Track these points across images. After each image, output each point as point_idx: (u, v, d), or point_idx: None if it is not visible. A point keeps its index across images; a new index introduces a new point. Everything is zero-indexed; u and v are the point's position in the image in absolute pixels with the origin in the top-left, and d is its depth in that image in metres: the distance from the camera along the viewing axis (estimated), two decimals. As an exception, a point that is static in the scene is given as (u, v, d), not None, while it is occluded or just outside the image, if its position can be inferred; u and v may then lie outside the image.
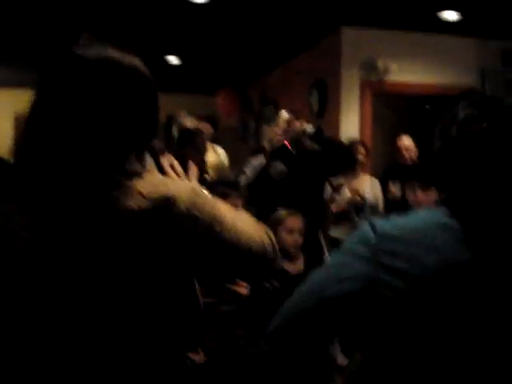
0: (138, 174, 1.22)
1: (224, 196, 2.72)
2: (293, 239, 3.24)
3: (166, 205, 1.18)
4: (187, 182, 1.44)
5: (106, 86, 1.19)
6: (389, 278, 1.18)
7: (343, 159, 3.96)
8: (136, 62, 1.26)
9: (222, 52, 7.13)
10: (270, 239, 1.38)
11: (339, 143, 4.11)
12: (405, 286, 1.17)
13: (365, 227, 1.26)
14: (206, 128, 4.89)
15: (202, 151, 3.84)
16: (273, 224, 3.30)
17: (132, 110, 1.21)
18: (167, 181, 1.27)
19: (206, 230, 1.24)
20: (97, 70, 1.19)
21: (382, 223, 1.25)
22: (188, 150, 3.77)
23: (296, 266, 3.23)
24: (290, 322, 1.27)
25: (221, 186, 2.84)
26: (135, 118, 1.22)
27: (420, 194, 3.49)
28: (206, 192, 1.30)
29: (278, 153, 3.94)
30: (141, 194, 1.17)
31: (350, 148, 4.61)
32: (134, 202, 1.16)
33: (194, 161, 3.78)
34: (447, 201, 1.25)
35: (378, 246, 1.21)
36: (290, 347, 1.29)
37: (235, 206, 2.73)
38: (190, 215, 1.21)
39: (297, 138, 3.88)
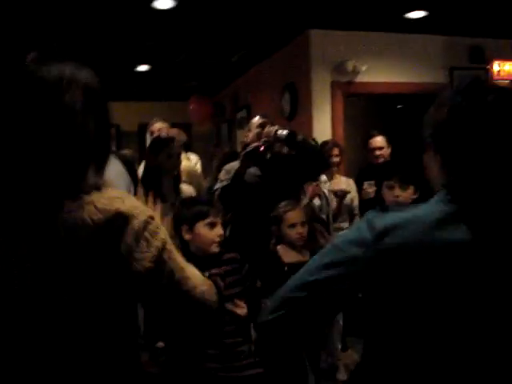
0: (97, 188, 1.23)
1: (203, 215, 2.72)
2: (295, 232, 3.31)
3: (118, 220, 1.20)
4: (148, 206, 1.45)
5: (58, 101, 1.20)
6: (387, 262, 1.20)
7: (317, 163, 3.95)
8: (89, 76, 1.28)
9: (191, 58, 7.11)
10: (214, 288, 1.43)
11: (312, 146, 4.09)
12: (403, 269, 1.19)
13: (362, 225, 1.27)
14: (181, 134, 4.86)
15: (175, 159, 3.81)
16: (274, 221, 3.39)
17: (85, 124, 1.23)
18: (125, 198, 1.27)
19: (155, 254, 1.25)
20: (50, 87, 1.20)
21: (379, 220, 1.25)
22: (161, 158, 3.75)
23: (304, 258, 3.26)
24: (280, 307, 1.28)
25: (198, 205, 2.82)
26: (90, 133, 1.24)
27: (398, 192, 3.50)
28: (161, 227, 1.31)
29: (251, 157, 3.91)
30: (95, 207, 1.20)
31: (323, 150, 4.61)
32: (87, 215, 1.18)
33: (167, 168, 3.79)
34: (449, 185, 1.25)
35: (377, 245, 1.21)
36: (281, 333, 1.31)
37: (216, 224, 2.75)
38: (141, 236, 1.23)
39: (269, 142, 3.86)
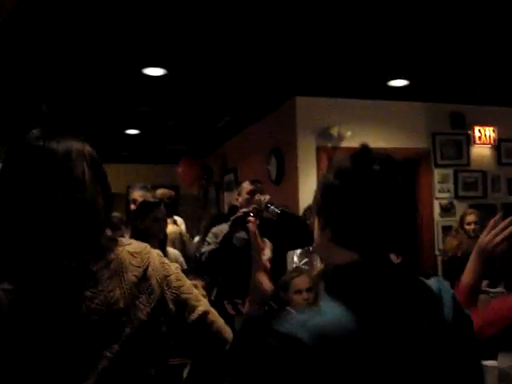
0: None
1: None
2: (301, 298, 3.37)
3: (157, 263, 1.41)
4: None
5: (70, 174, 1.28)
6: None
7: (301, 234, 4.02)
8: (91, 148, 1.37)
9: (180, 122, 7.24)
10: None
11: (296, 217, 4.16)
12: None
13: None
14: (170, 194, 4.95)
15: (161, 222, 3.87)
16: (282, 288, 3.43)
17: (95, 192, 1.32)
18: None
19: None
20: (61, 161, 1.28)
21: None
22: (148, 221, 3.80)
23: None
24: None
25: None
26: (99, 201, 1.33)
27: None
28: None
29: (239, 222, 3.98)
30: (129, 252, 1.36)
31: (306, 222, 4.69)
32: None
33: (154, 232, 3.82)
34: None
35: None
36: None
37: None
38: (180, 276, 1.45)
39: (259, 209, 3.93)
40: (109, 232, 1.45)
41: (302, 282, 3.43)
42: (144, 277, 1.33)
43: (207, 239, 4.33)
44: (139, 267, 1.33)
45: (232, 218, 4.06)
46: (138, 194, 5.02)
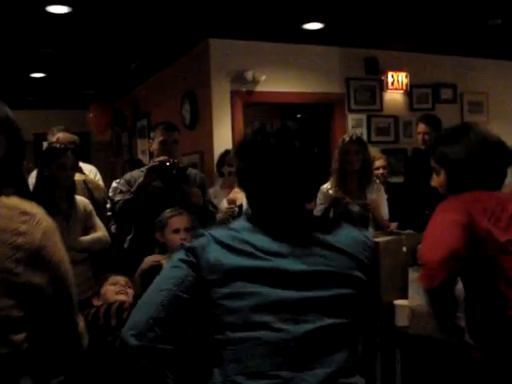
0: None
1: None
2: (178, 237, 3.25)
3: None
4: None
5: None
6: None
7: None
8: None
9: (88, 65, 6.93)
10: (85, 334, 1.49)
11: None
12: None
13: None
14: (73, 139, 4.77)
15: (68, 171, 3.68)
16: (159, 227, 3.37)
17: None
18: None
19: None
20: None
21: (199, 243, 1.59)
22: (53, 168, 3.61)
23: None
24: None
25: None
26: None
27: None
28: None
29: (155, 171, 3.95)
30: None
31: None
32: None
33: (60, 180, 3.66)
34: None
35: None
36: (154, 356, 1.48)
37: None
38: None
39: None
40: None
41: (179, 221, 3.35)
42: None
43: (119, 186, 4.23)
44: None
45: (147, 167, 3.99)
46: (63, 137, 4.83)
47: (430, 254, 1.98)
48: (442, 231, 1.99)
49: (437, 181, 2.24)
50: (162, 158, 3.93)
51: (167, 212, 3.40)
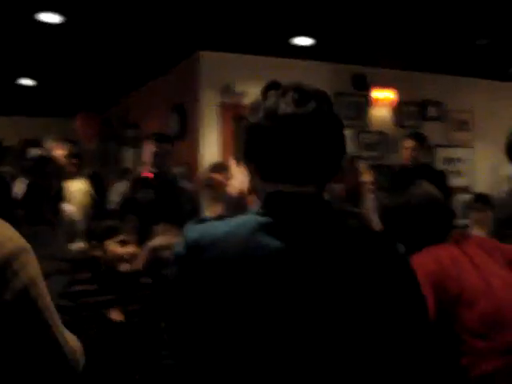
0: None
1: (112, 232, 2.73)
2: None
3: None
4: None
5: None
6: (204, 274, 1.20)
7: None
8: None
9: (79, 74, 6.93)
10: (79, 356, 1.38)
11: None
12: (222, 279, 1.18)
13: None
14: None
15: (54, 178, 3.67)
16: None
17: None
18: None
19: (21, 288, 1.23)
20: None
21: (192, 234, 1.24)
22: (39, 177, 3.60)
23: None
24: None
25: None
26: None
27: None
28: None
29: (140, 182, 3.98)
30: None
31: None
32: None
33: (45, 188, 3.65)
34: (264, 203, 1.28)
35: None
36: None
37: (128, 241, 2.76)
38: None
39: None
40: None
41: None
42: None
43: (111, 196, 4.27)
44: None
45: (133, 180, 4.02)
46: (59, 152, 4.80)
47: None
48: None
49: None
50: (146, 173, 3.97)
51: (160, 227, 3.41)
